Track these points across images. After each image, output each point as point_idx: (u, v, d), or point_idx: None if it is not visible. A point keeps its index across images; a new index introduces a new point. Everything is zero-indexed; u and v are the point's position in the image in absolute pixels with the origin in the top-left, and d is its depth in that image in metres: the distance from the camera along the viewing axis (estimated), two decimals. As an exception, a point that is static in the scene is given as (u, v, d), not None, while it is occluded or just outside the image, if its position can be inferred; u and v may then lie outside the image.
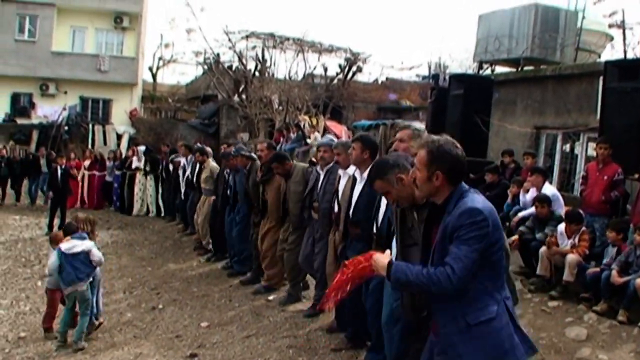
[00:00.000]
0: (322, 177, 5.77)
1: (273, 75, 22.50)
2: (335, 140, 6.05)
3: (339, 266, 5.29)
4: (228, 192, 8.18)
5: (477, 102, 9.15)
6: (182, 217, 11.78)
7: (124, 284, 7.91)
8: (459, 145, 2.76)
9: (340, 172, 5.34)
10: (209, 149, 10.14)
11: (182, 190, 11.06)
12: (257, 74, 22.02)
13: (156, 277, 8.26)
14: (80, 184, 14.92)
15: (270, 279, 7.08)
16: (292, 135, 14.89)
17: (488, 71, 13.79)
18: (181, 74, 30.93)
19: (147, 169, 13.71)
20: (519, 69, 12.30)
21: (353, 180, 5.01)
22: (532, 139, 10.68)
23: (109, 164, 15.05)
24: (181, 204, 11.39)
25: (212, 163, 9.59)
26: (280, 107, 20.72)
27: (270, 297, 6.90)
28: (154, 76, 29.56)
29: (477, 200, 2.63)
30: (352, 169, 5.12)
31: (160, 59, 29.59)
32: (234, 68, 22.40)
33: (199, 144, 14.36)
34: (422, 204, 3.06)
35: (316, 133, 15.87)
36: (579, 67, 10.41)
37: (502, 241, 2.67)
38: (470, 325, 2.57)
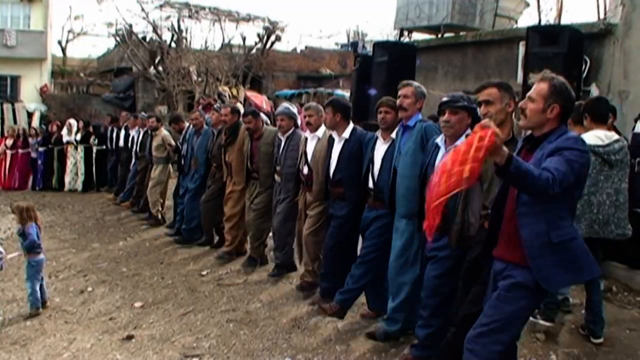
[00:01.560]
0: (282, 143, 6.06)
1: (190, 45, 21.93)
2: (290, 108, 6.28)
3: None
4: (183, 159, 8.26)
5: (401, 69, 9.19)
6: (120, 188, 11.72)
7: (49, 268, 7.51)
8: None
9: (307, 134, 5.67)
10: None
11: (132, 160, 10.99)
12: (173, 44, 21.38)
13: (82, 259, 7.93)
14: (3, 163, 14.43)
15: (232, 242, 7.15)
16: (217, 106, 14.61)
17: (408, 39, 13.94)
18: (92, 46, 29.76)
19: (78, 139, 13.34)
20: (440, 35, 12.49)
21: (329, 141, 5.30)
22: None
23: (31, 140, 14.50)
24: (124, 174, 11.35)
25: (164, 131, 9.41)
26: (199, 79, 20.29)
27: (204, 272, 6.79)
28: (63, 50, 28.26)
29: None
30: (320, 132, 5.54)
31: (69, 31, 28.29)
32: (148, 39, 21.64)
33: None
34: (506, 141, 3.06)
35: (238, 104, 15.62)
36: (499, 33, 10.67)
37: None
38: (553, 243, 2.76)
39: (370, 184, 4.70)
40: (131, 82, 22.40)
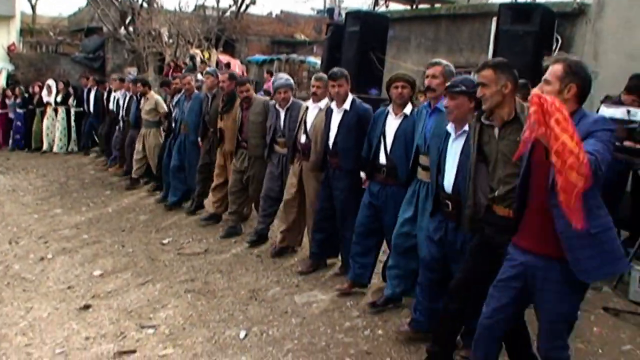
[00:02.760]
0: (282, 114, 6.01)
1: (162, 6, 21.45)
2: (291, 79, 6.23)
3: (299, 195, 5.69)
4: (173, 123, 8.16)
5: (373, 40, 9.13)
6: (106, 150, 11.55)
7: (9, 234, 7.44)
8: None
9: (309, 105, 5.65)
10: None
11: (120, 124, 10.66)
12: (144, 5, 20.88)
13: (43, 224, 7.84)
14: None
15: (217, 206, 7.23)
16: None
17: (383, 8, 13.81)
18: (63, 4, 28.88)
19: (58, 101, 13.06)
20: (414, 6, 12.39)
21: (328, 112, 5.29)
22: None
23: (9, 101, 14.23)
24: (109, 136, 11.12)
25: (155, 95, 9.22)
26: (170, 41, 19.90)
27: (165, 241, 6.77)
28: (33, 8, 27.37)
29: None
30: (323, 103, 5.52)
31: (38, -12, 27.31)
32: (119, -1, 21.10)
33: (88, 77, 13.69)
34: (508, 121, 3.18)
35: (208, 68, 15.40)
36: (473, 8, 10.63)
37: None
38: (591, 234, 2.68)
39: (382, 160, 4.65)
40: (101, 42, 21.85)
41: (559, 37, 8.14)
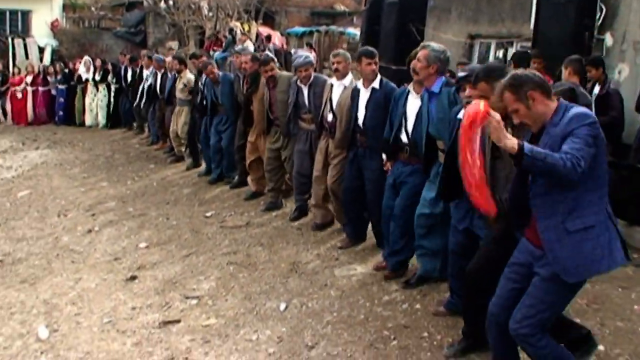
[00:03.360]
0: (305, 90, 5.99)
1: (201, -21, 21.48)
2: (310, 56, 6.20)
3: (326, 172, 5.68)
4: (204, 102, 8.17)
5: (412, 11, 9.07)
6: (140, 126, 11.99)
7: (58, 207, 7.71)
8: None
9: (334, 82, 5.58)
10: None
11: (143, 100, 10.96)
12: (184, -22, 20.95)
13: (90, 197, 8.09)
14: (24, 100, 14.77)
15: (257, 183, 7.33)
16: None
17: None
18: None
19: (97, 79, 13.35)
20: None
21: (354, 90, 5.23)
22: (466, 48, 10.70)
23: (51, 78, 14.61)
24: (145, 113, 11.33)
25: (189, 74, 9.25)
26: (210, 14, 19.97)
27: (208, 214, 6.91)
28: (75, -17, 27.72)
29: (584, 109, 2.75)
30: (347, 80, 5.47)
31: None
32: (159, -28, 21.25)
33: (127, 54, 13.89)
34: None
35: (247, 41, 15.43)
36: (515, -23, 10.32)
37: (604, 156, 2.76)
38: (570, 232, 2.70)
39: (404, 139, 4.59)
40: (142, 16, 22.11)
41: (602, 6, 7.88)
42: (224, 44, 15.35)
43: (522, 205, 2.90)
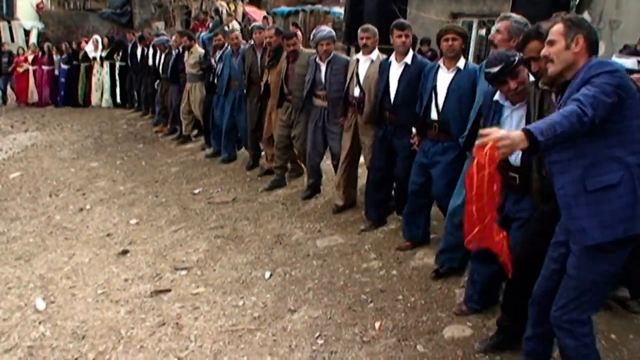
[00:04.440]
0: (323, 67, 5.98)
1: (186, -41, 21.40)
2: (331, 31, 6.12)
3: (355, 147, 5.66)
4: (216, 79, 8.18)
5: (396, -10, 9.19)
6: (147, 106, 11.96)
7: (49, 187, 7.90)
8: None
9: (360, 57, 5.50)
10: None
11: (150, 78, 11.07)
12: (169, -42, 20.89)
13: (80, 177, 8.27)
14: (26, 79, 14.84)
15: (272, 159, 7.27)
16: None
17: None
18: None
19: (103, 55, 13.37)
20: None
21: (385, 66, 5.14)
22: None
23: (56, 57, 14.54)
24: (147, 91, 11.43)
25: (200, 49, 9.21)
26: (196, -7, 19.96)
27: (196, 191, 7.13)
28: (59, -37, 27.48)
29: (608, 59, 2.62)
30: (374, 55, 5.37)
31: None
32: (144, -48, 21.15)
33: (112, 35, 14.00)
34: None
35: (234, 21, 15.50)
36: (495, -47, 10.49)
37: (636, 110, 2.53)
38: (588, 191, 2.54)
39: (434, 115, 4.49)
40: (128, -3, 22.08)
41: (579, -15, 8.12)
42: (210, 25, 15.42)
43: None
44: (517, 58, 3.22)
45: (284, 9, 19.80)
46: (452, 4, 11.01)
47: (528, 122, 3.09)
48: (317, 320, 3.99)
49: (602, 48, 7.41)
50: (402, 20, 5.27)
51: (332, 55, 5.94)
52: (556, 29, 2.66)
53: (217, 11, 17.29)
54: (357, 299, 4.23)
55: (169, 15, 20.01)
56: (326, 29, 6.14)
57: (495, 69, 3.24)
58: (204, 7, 19.26)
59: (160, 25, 19.90)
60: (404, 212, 5.00)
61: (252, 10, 19.26)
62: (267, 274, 4.75)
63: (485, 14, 10.32)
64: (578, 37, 2.60)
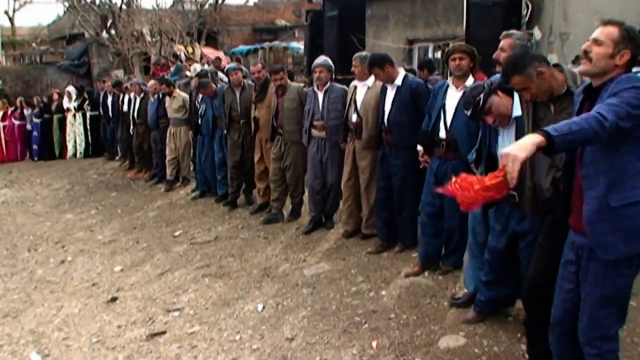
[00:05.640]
0: (320, 96, 6.14)
1: (141, 6, 21.65)
2: (327, 60, 6.25)
3: (355, 170, 5.77)
4: (200, 121, 8.32)
5: (352, 22, 9.50)
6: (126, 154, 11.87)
7: (27, 243, 7.85)
8: None
9: (357, 84, 5.71)
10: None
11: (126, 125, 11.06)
12: (124, 7, 21.09)
13: (57, 230, 8.24)
14: None
15: (264, 195, 7.40)
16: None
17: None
18: (41, 13, 28.85)
19: (75, 106, 13.46)
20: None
21: (382, 90, 5.37)
22: (405, 52, 11.29)
23: (27, 112, 14.55)
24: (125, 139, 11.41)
25: (182, 93, 9.37)
26: (154, 39, 20.14)
27: (176, 233, 7.19)
28: (11, 20, 27.52)
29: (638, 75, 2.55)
30: (370, 81, 5.57)
31: (15, 0, 27.45)
32: (98, 2, 21.31)
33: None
34: (560, 95, 3.02)
35: (195, 64, 15.70)
36: (445, -20, 10.96)
37: None
38: (612, 207, 2.51)
39: (442, 134, 4.56)
40: (85, 48, 22.09)
41: (528, 3, 8.54)
42: (172, 69, 15.58)
43: (567, 188, 2.78)
44: (481, 97, 3.36)
45: (243, 48, 20.14)
46: (407, 30, 11.42)
47: (521, 135, 3.00)
48: (315, 346, 4.09)
49: (554, 59, 7.80)
50: (379, 55, 5.45)
51: (329, 84, 6.11)
52: (609, 31, 2.56)
53: (175, 55, 17.50)
54: (351, 321, 4.35)
55: (128, 63, 20.11)
56: (322, 58, 6.34)
57: (468, 113, 3.50)
58: (162, 52, 19.46)
59: (119, 73, 19.97)
60: (421, 232, 5.13)
61: (209, 52, 19.52)
62: (260, 307, 4.83)
63: (439, 38, 10.73)
64: (626, 51, 2.54)
